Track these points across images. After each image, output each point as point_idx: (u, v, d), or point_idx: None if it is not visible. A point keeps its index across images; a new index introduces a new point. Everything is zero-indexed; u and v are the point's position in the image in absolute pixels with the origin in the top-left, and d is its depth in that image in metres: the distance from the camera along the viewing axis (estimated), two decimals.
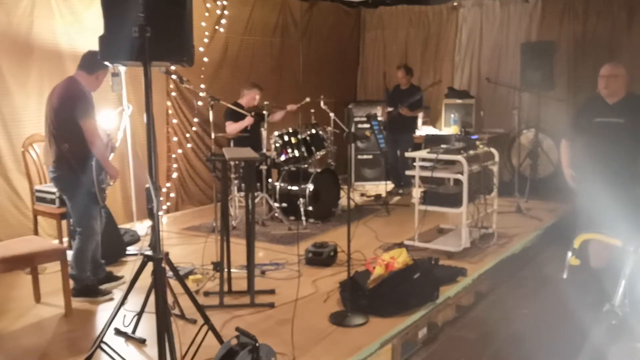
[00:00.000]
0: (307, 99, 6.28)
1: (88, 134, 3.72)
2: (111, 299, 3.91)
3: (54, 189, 4.30)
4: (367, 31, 9.33)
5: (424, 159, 4.92)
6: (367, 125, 7.33)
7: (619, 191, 3.66)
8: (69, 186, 3.85)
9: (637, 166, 3.86)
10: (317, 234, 5.45)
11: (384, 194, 7.19)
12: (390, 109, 7.35)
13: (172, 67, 5.32)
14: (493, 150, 5.17)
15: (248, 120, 5.91)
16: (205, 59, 6.58)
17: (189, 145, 6.58)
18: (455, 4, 8.42)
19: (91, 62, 3.83)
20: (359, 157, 8.16)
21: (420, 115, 7.78)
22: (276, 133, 5.96)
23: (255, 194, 5.67)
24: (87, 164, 3.79)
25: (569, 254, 2.55)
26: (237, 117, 5.92)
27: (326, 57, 8.59)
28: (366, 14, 9.30)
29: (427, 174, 4.78)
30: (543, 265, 4.81)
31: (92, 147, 3.74)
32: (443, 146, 5.04)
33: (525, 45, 7.35)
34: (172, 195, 6.47)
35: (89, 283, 3.95)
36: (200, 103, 6.44)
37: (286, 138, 5.93)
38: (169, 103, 6.34)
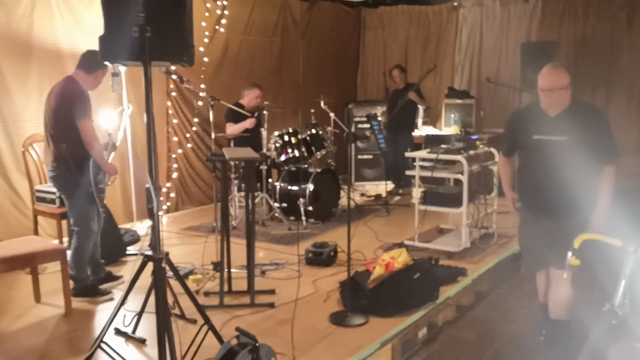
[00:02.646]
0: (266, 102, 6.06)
1: (85, 135, 3.71)
2: (111, 299, 3.91)
3: (54, 189, 4.30)
4: (367, 31, 9.33)
5: (424, 159, 4.92)
6: (367, 125, 7.34)
7: (556, 227, 3.12)
8: (67, 186, 3.85)
9: (581, 195, 3.08)
10: (317, 234, 5.44)
11: (384, 194, 7.19)
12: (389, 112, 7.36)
13: (172, 67, 5.32)
14: (493, 150, 5.16)
15: (249, 123, 5.91)
16: (205, 59, 6.58)
17: (189, 145, 6.58)
18: (455, 4, 8.42)
19: (90, 62, 3.83)
20: (359, 157, 8.15)
21: (421, 114, 7.78)
22: (276, 133, 5.96)
23: (255, 194, 5.67)
24: (84, 164, 3.79)
25: (569, 254, 2.55)
26: (237, 118, 5.92)
27: (326, 57, 8.59)
28: (366, 14, 9.30)
29: (427, 174, 4.78)
30: None
31: (89, 147, 3.73)
32: (443, 146, 5.05)
33: (525, 45, 7.35)
34: (172, 195, 6.46)
35: (89, 283, 3.95)
36: (200, 103, 6.44)
37: (286, 138, 5.93)
38: (169, 103, 6.33)
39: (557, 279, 3.21)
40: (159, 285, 2.61)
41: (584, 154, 3.00)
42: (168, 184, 6.42)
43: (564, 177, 3.05)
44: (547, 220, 3.18)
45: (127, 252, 4.83)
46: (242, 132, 5.87)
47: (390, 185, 7.60)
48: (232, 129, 5.95)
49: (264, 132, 5.92)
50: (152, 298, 2.72)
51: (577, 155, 3.00)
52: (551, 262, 3.20)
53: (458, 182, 4.76)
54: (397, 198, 7.23)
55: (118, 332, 3.35)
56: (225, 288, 3.86)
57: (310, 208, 5.80)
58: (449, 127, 8.01)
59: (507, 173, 3.54)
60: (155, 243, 2.64)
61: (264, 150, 5.91)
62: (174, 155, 6.44)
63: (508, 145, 3.50)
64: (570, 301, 3.24)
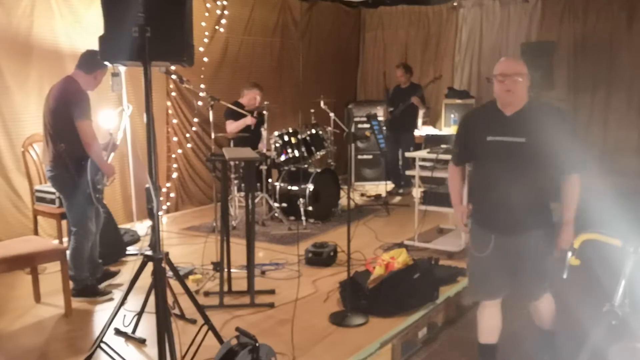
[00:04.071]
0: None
1: (83, 135, 3.71)
2: (111, 299, 3.91)
3: (54, 189, 4.30)
4: (367, 31, 9.34)
5: (424, 159, 4.92)
6: (367, 125, 7.33)
7: (512, 246, 2.73)
8: (65, 186, 3.85)
9: (543, 205, 2.75)
10: (317, 234, 5.44)
11: (384, 194, 7.19)
12: (391, 109, 7.36)
13: (172, 67, 5.32)
14: None
15: (249, 119, 5.91)
16: (205, 59, 6.58)
17: (189, 145, 6.58)
18: (455, 4, 8.42)
19: (90, 62, 3.82)
20: (359, 157, 8.16)
21: (421, 115, 7.78)
22: (276, 133, 5.96)
23: (255, 194, 5.67)
24: (82, 164, 3.79)
25: (569, 254, 2.55)
26: (237, 116, 5.92)
27: (326, 57, 8.59)
28: (366, 14, 9.30)
29: (427, 174, 4.78)
30: None
31: (88, 148, 3.73)
32: (443, 146, 5.05)
33: (525, 45, 7.35)
34: (172, 195, 6.46)
35: (89, 283, 3.95)
36: (200, 103, 6.44)
37: (286, 138, 5.93)
38: (169, 103, 6.33)
39: (536, 304, 2.96)
40: (159, 285, 2.60)
41: (546, 159, 2.63)
42: (168, 184, 6.42)
43: (522, 185, 2.65)
44: (502, 239, 2.74)
45: (127, 252, 4.83)
46: (241, 132, 5.87)
47: (390, 185, 7.60)
48: (233, 126, 5.94)
49: (264, 132, 5.92)
50: (152, 298, 2.72)
51: (537, 160, 2.63)
52: (517, 291, 2.85)
53: None
54: (397, 198, 7.23)
55: (118, 332, 3.35)
56: (225, 288, 3.86)
57: (310, 208, 5.80)
58: (449, 127, 8.01)
59: (457, 184, 3.06)
60: (155, 243, 2.64)
61: (264, 150, 5.91)
62: (174, 155, 6.44)
63: (459, 150, 2.98)
64: (554, 312, 3.02)
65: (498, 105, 2.75)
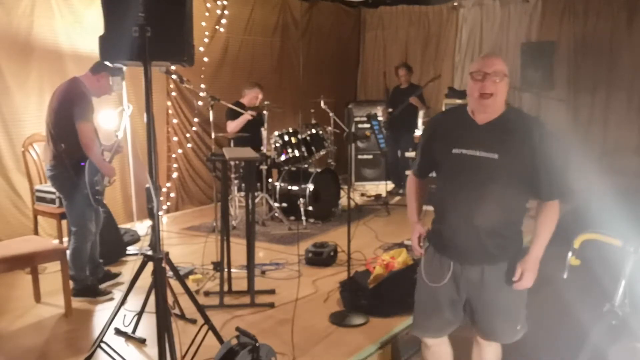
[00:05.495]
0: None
1: (82, 137, 3.71)
2: (111, 299, 3.91)
3: (54, 189, 4.30)
4: (367, 31, 9.34)
5: None
6: (367, 125, 7.33)
7: (480, 277, 2.29)
8: (65, 186, 3.85)
9: (514, 231, 2.35)
10: (317, 234, 5.44)
11: (384, 194, 7.19)
12: (390, 110, 7.36)
13: (172, 67, 5.32)
14: None
15: (247, 115, 5.89)
16: (205, 59, 6.58)
17: (189, 145, 6.58)
18: (455, 4, 8.42)
19: (98, 63, 3.86)
20: (359, 157, 8.16)
21: (421, 114, 7.78)
22: (276, 133, 5.96)
23: (256, 194, 5.67)
24: (81, 165, 3.79)
25: (569, 254, 2.55)
26: (237, 116, 5.92)
27: (326, 57, 8.59)
28: (366, 14, 9.30)
29: None
30: (543, 265, 4.80)
31: (86, 149, 3.73)
32: None
33: (525, 45, 7.35)
34: (172, 195, 6.47)
35: (89, 283, 3.95)
36: (200, 103, 6.44)
37: (286, 138, 5.93)
38: (169, 103, 6.34)
39: (483, 348, 2.59)
40: (159, 285, 2.60)
41: (521, 181, 2.22)
42: (168, 184, 6.42)
43: (489, 207, 2.22)
44: (461, 268, 2.31)
45: (127, 252, 4.83)
46: (242, 131, 5.87)
47: (390, 185, 7.60)
48: (233, 125, 5.94)
49: (264, 132, 5.92)
50: (152, 298, 2.72)
51: (510, 180, 2.21)
52: (478, 330, 2.49)
53: None
54: (397, 198, 7.23)
55: (118, 332, 3.35)
56: (225, 288, 3.86)
57: (310, 208, 5.80)
58: None
59: (414, 198, 2.63)
60: (155, 243, 2.64)
61: (264, 150, 5.91)
62: (174, 155, 6.44)
63: (421, 160, 2.53)
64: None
65: (469, 111, 2.32)
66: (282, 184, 5.99)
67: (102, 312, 3.74)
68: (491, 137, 2.22)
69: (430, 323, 2.47)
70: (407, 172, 5.06)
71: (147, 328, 3.31)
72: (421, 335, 2.55)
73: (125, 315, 3.40)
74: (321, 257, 4.56)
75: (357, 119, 7.96)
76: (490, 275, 2.28)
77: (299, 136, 5.97)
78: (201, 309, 3.00)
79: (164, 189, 6.36)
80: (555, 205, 2.29)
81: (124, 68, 4.01)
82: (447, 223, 2.33)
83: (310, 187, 5.82)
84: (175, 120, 6.39)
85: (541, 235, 2.30)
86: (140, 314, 3.36)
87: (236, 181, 5.78)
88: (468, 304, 2.38)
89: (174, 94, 6.35)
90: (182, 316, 3.50)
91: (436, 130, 2.44)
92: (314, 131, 6.12)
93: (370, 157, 8.16)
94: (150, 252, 2.68)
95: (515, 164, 2.18)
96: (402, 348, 3.35)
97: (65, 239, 4.68)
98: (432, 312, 2.42)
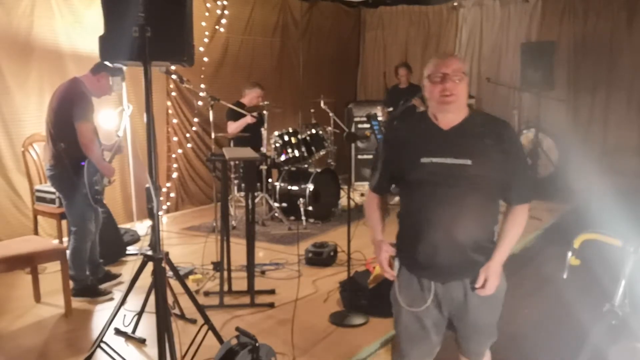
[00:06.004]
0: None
1: (81, 137, 3.71)
2: (111, 299, 3.91)
3: (54, 189, 4.30)
4: (367, 31, 9.34)
5: None
6: (367, 125, 7.32)
7: (463, 293, 2.12)
8: (64, 185, 3.86)
9: (490, 240, 2.13)
10: (317, 234, 5.44)
11: None
12: (390, 109, 7.35)
13: (172, 67, 5.32)
14: None
15: (249, 118, 5.91)
16: (205, 59, 6.59)
17: (189, 145, 6.58)
18: (455, 4, 8.43)
19: (99, 64, 3.86)
20: (359, 157, 8.16)
21: None
22: (276, 133, 5.96)
23: (255, 194, 5.67)
24: (81, 165, 3.79)
25: (569, 254, 2.55)
26: (237, 116, 5.92)
27: (326, 57, 8.59)
28: (366, 14, 9.30)
29: None
30: (543, 265, 4.80)
31: (86, 149, 3.73)
32: None
33: (525, 45, 7.35)
34: (172, 195, 6.47)
35: (89, 283, 3.95)
36: (200, 103, 6.44)
37: (286, 138, 5.93)
38: (169, 103, 6.34)
39: None
40: (159, 285, 2.60)
41: (494, 186, 2.08)
42: (168, 184, 6.42)
43: (468, 218, 2.06)
44: (444, 287, 2.13)
45: (127, 252, 4.83)
46: (242, 131, 5.87)
47: None
48: (233, 126, 5.94)
49: (264, 132, 5.92)
50: (152, 298, 2.72)
51: (486, 187, 2.06)
52: (460, 348, 2.32)
53: None
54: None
55: (118, 332, 3.35)
56: (225, 288, 3.86)
57: (310, 208, 5.81)
58: None
59: (376, 216, 2.46)
60: (155, 243, 2.64)
61: (264, 150, 5.90)
62: (174, 155, 6.44)
63: (381, 174, 2.33)
64: None
65: (430, 117, 2.14)
66: (282, 184, 5.99)
67: (102, 312, 3.74)
68: (460, 142, 2.07)
69: (418, 350, 2.26)
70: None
71: (147, 328, 3.31)
72: None
73: (125, 315, 3.40)
74: (321, 257, 4.56)
75: (357, 119, 7.97)
76: (472, 293, 2.11)
77: (299, 136, 5.97)
78: (201, 309, 3.00)
79: (164, 189, 6.36)
80: (525, 209, 2.16)
81: (124, 68, 4.01)
82: (425, 242, 2.08)
83: (310, 187, 5.82)
84: (175, 120, 6.39)
85: (507, 240, 2.12)
86: (140, 314, 3.36)
87: (236, 181, 5.78)
88: (450, 323, 2.23)
89: (174, 94, 6.36)
90: (182, 316, 3.50)
91: (398, 140, 2.22)
92: (313, 131, 6.12)
93: (370, 157, 8.15)
94: (150, 252, 2.69)
95: (488, 169, 2.04)
96: None
97: (65, 239, 4.69)
98: (419, 338, 2.22)
